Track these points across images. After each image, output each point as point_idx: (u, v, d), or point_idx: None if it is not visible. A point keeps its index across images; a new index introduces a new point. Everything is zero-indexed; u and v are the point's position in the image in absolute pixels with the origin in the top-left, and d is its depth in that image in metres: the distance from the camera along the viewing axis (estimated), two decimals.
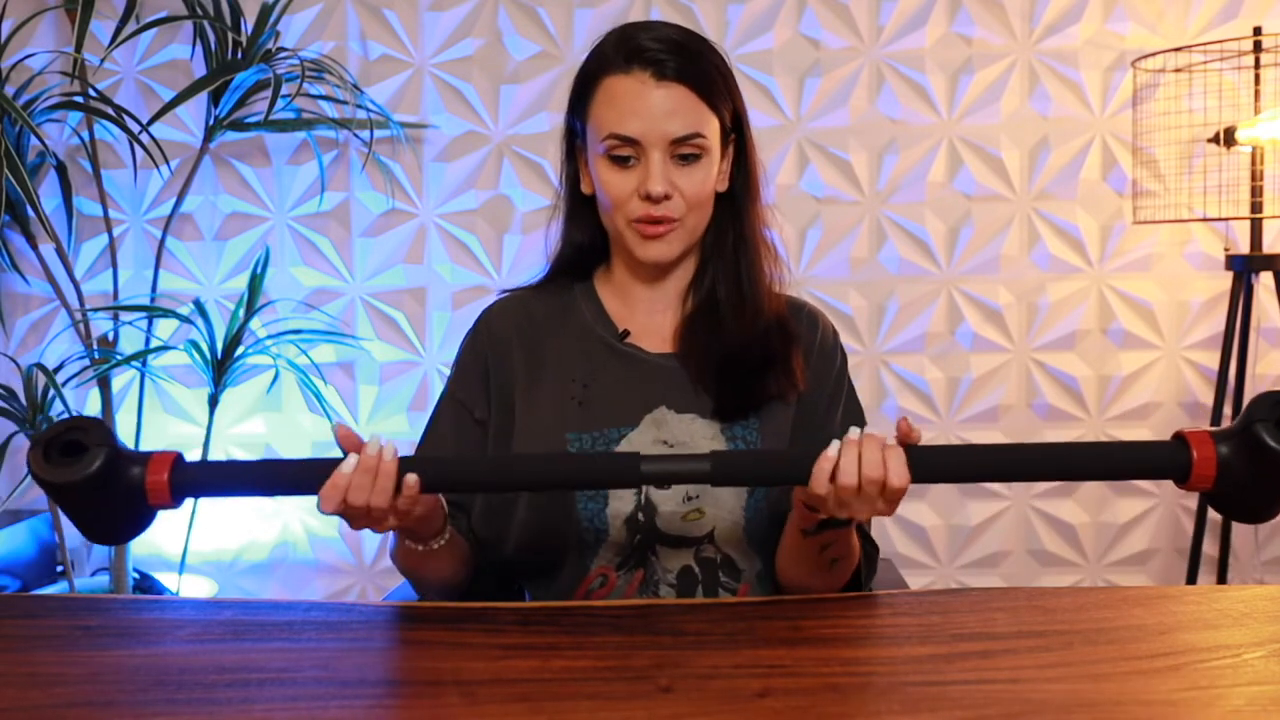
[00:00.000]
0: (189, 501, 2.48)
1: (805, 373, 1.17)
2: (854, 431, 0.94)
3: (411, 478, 0.94)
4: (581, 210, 1.20)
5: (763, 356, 1.15)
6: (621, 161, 1.09)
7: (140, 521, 0.96)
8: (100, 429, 0.91)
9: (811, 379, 1.18)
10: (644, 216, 1.09)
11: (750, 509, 1.14)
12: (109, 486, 0.90)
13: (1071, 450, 0.96)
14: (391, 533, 1.09)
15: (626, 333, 1.19)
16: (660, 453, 1.11)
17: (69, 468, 0.89)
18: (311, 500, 0.94)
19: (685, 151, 1.08)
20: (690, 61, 1.09)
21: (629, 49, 1.09)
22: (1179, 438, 0.93)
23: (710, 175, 1.11)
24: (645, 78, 1.08)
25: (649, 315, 1.20)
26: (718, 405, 1.14)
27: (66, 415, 2.22)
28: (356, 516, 0.96)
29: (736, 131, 1.16)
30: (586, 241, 1.21)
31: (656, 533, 1.12)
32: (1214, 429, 0.94)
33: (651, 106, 1.07)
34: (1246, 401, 2.30)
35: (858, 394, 1.24)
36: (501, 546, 1.17)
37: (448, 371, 1.25)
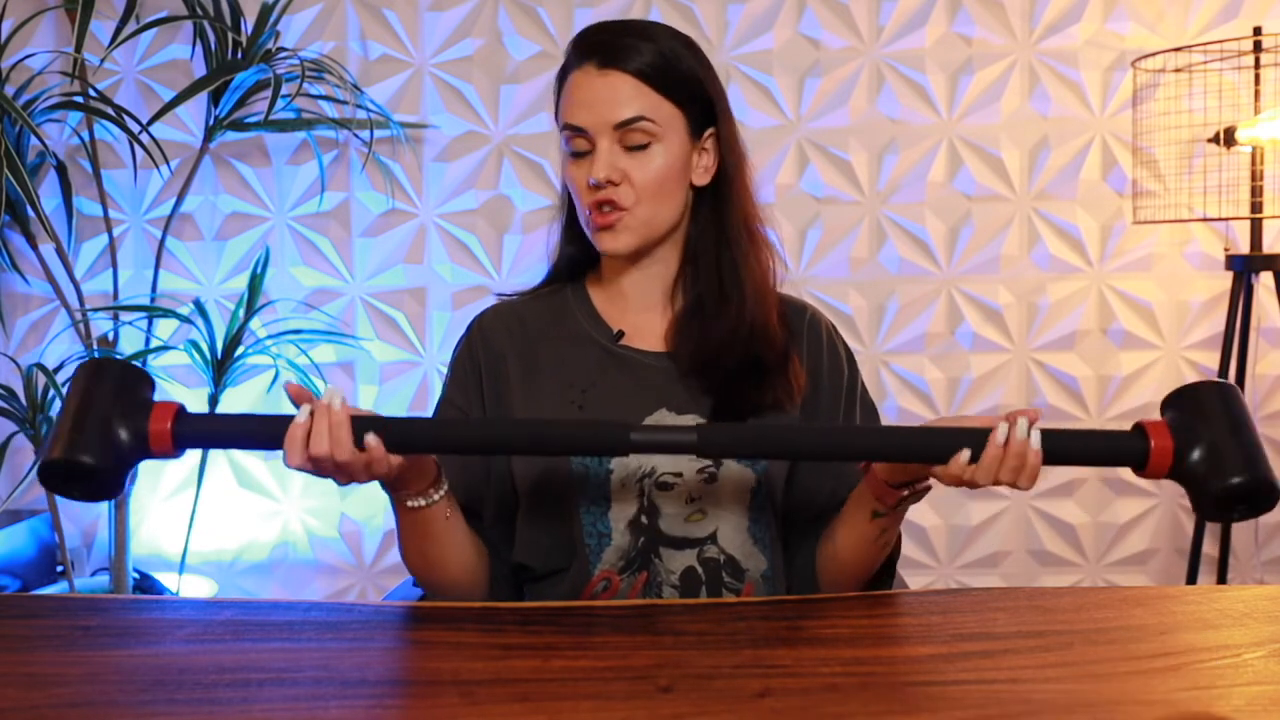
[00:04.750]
0: (188, 502, 2.46)
1: (805, 377, 1.16)
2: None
3: (372, 438, 0.94)
4: (574, 213, 1.20)
5: (756, 363, 1.14)
6: (578, 155, 1.11)
7: (121, 462, 0.93)
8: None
9: (818, 386, 1.18)
10: (593, 204, 1.10)
11: (754, 509, 1.14)
12: (122, 394, 0.94)
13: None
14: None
15: (621, 334, 1.18)
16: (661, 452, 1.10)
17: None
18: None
19: (633, 140, 1.09)
20: (635, 49, 1.09)
21: (583, 45, 1.11)
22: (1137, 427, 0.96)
23: (666, 164, 1.10)
24: (590, 69, 1.10)
25: (639, 313, 1.19)
26: (715, 406, 1.14)
27: None
28: (326, 470, 0.96)
29: (716, 125, 1.15)
30: (579, 244, 1.21)
31: (660, 535, 1.12)
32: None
33: (595, 94, 1.09)
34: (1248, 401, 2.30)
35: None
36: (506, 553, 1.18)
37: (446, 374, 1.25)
